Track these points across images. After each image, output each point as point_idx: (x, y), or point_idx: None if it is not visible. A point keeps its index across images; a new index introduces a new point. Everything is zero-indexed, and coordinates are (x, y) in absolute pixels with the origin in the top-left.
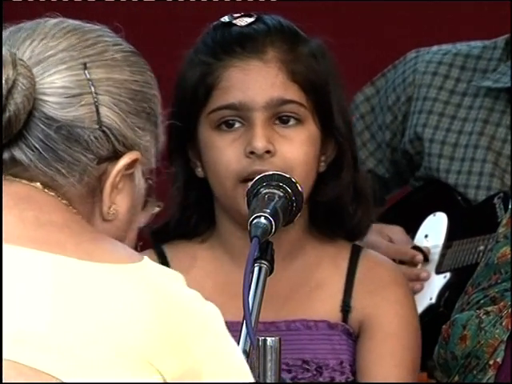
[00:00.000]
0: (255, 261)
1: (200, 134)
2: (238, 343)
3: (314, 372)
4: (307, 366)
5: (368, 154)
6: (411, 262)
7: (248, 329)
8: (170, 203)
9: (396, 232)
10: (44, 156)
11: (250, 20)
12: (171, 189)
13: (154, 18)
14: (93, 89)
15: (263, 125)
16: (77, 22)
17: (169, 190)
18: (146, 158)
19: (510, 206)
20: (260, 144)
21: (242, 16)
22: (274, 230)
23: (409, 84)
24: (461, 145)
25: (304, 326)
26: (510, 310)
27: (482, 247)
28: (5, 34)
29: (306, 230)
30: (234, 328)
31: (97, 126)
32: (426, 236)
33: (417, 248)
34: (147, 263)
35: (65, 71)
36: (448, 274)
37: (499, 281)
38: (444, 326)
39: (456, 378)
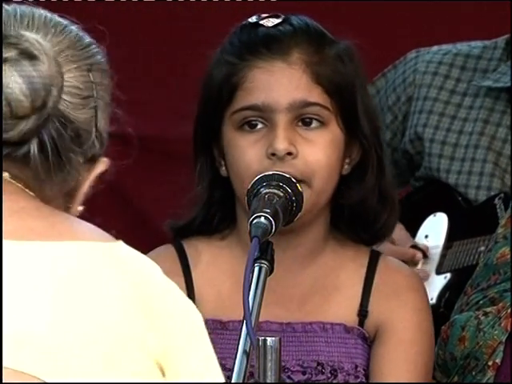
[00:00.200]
0: (255, 261)
1: (224, 133)
2: (239, 343)
3: (329, 375)
4: (322, 369)
5: None
6: (412, 262)
7: (248, 329)
8: (192, 202)
9: (395, 229)
10: (48, 154)
11: (277, 21)
12: (190, 188)
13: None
14: (95, 93)
15: (285, 126)
16: (57, 16)
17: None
18: None
19: (510, 207)
20: (281, 146)
21: (269, 17)
22: (274, 229)
23: (409, 84)
24: (461, 145)
25: (320, 328)
26: (509, 311)
27: (482, 248)
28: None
29: (326, 232)
30: None
31: (94, 130)
32: (427, 236)
33: (415, 247)
34: (122, 244)
35: (75, 70)
36: (448, 275)
37: (498, 281)
38: (443, 327)
39: (455, 379)
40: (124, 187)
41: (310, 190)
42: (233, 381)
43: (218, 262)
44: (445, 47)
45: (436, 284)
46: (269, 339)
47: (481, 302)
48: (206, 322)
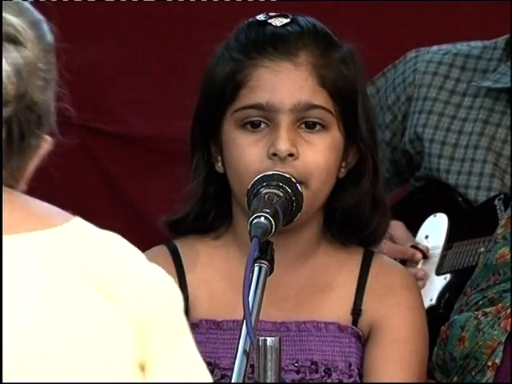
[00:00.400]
0: (255, 261)
1: (224, 130)
2: (239, 343)
3: (323, 374)
4: (316, 368)
5: None
6: (411, 261)
7: (248, 329)
8: (187, 197)
9: (396, 227)
10: (13, 139)
11: (285, 21)
12: (184, 183)
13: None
14: (53, 74)
15: (288, 127)
16: None
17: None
18: None
19: (510, 207)
20: (283, 147)
21: (277, 16)
22: (274, 229)
23: (409, 84)
24: (461, 145)
25: (314, 327)
26: (508, 311)
27: (482, 249)
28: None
29: (319, 233)
30: None
31: (53, 110)
32: (427, 237)
33: (415, 247)
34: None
35: (41, 52)
36: (448, 276)
37: (498, 282)
38: (442, 328)
39: (455, 379)
40: (124, 187)
41: (307, 192)
42: (233, 381)
43: (213, 261)
44: (445, 47)
45: (436, 285)
46: (269, 339)
47: (480, 302)
48: (200, 322)
